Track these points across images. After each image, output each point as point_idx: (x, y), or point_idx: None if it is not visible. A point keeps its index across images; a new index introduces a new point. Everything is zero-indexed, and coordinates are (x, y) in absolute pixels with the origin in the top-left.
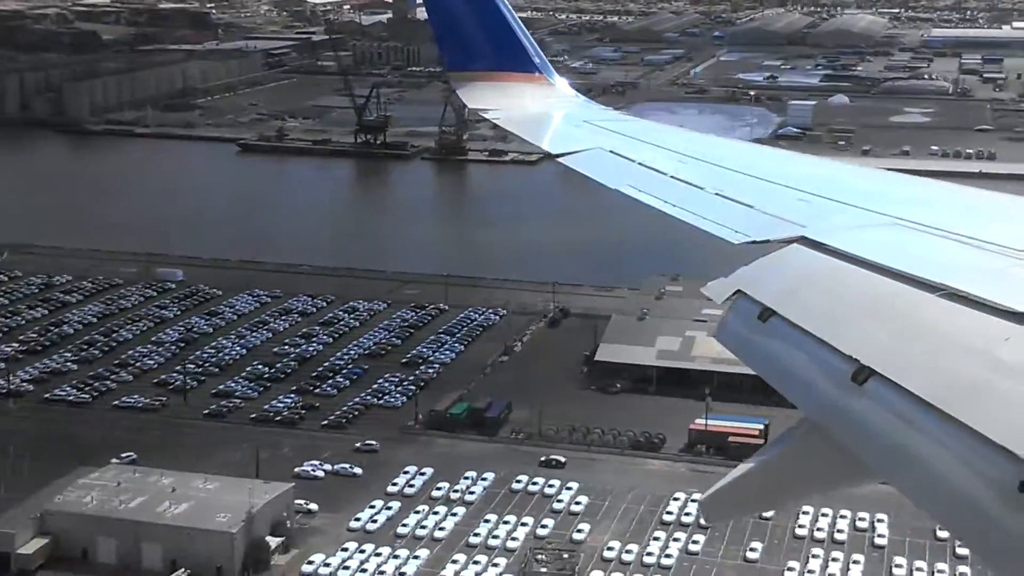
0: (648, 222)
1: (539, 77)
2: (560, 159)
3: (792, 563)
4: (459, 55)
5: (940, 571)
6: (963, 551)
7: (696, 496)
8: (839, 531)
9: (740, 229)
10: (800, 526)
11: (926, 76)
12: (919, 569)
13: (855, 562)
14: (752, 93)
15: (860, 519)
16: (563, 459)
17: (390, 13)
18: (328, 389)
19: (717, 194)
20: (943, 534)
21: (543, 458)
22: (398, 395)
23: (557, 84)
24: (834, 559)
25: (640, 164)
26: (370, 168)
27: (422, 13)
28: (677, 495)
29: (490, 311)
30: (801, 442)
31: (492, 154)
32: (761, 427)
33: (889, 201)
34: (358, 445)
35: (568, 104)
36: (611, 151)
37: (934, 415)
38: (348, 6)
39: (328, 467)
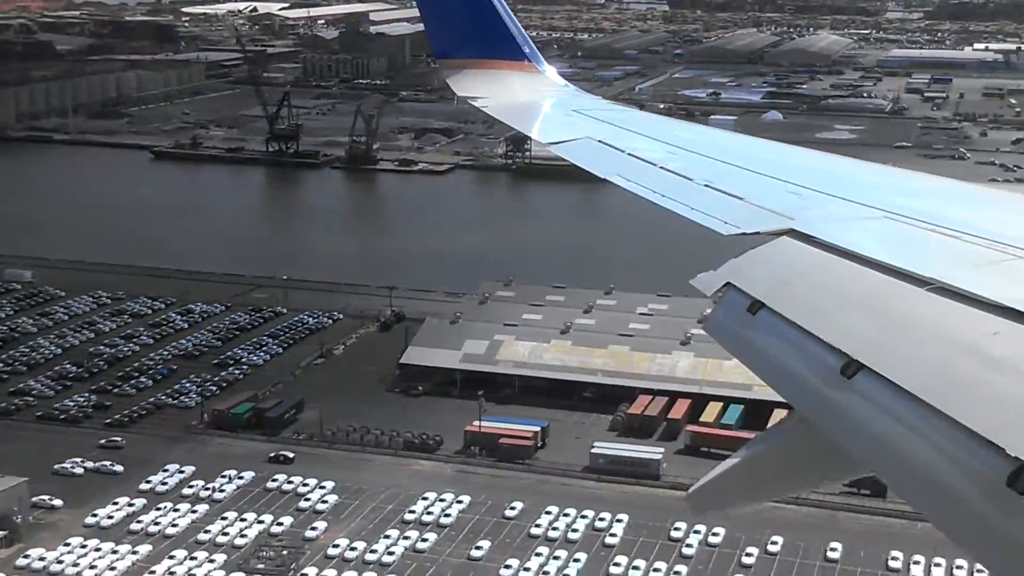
0: (530, 232)
1: (528, 65)
2: (550, 147)
3: (512, 560)
4: (448, 43)
5: (656, 570)
6: (688, 551)
7: (447, 495)
8: (574, 531)
9: (730, 220)
10: (537, 525)
11: (866, 95)
12: (636, 567)
13: (575, 560)
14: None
15: (600, 519)
16: (291, 455)
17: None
18: (128, 389)
19: (707, 185)
20: (676, 534)
21: (272, 454)
22: (195, 395)
23: (546, 72)
24: (556, 557)
25: (630, 154)
26: (276, 175)
27: (373, 27)
28: (427, 494)
29: (325, 315)
30: (789, 436)
31: (402, 164)
32: (537, 430)
33: (879, 193)
34: (102, 441)
35: (558, 93)
36: (600, 140)
37: (922, 409)
38: (322, 21)
39: (89, 464)
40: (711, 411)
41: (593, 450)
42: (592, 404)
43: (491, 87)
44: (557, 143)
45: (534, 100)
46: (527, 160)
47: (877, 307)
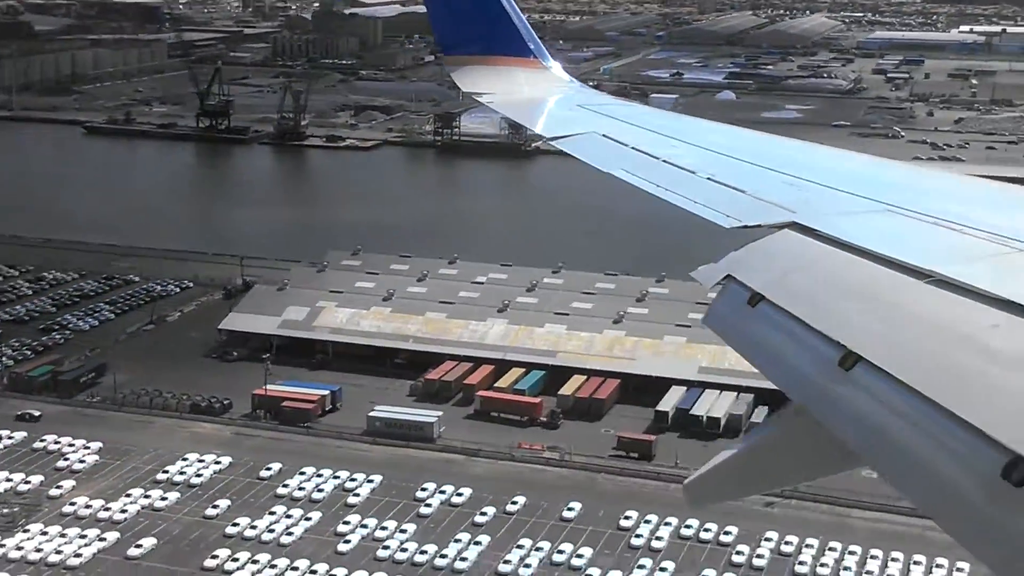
0: (420, 205)
1: (534, 61)
2: (554, 142)
3: (242, 519)
4: (453, 38)
5: (383, 528)
6: (426, 511)
7: (208, 457)
8: (319, 491)
9: (731, 214)
10: (285, 486)
11: (826, 75)
12: (364, 526)
13: (307, 519)
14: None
15: (352, 480)
16: (38, 413)
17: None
18: None
19: (709, 178)
20: (421, 495)
21: (19, 412)
22: (6, 359)
23: (552, 68)
24: (288, 516)
25: (633, 148)
26: (200, 151)
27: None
28: (188, 455)
29: (175, 283)
30: (787, 427)
31: (329, 140)
32: (325, 394)
33: (881, 187)
34: None
35: (562, 88)
36: (605, 135)
37: (920, 402)
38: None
39: None
40: (510, 377)
41: (371, 414)
42: (402, 370)
43: (496, 83)
44: (561, 138)
45: (539, 96)
46: (455, 137)
47: (876, 300)
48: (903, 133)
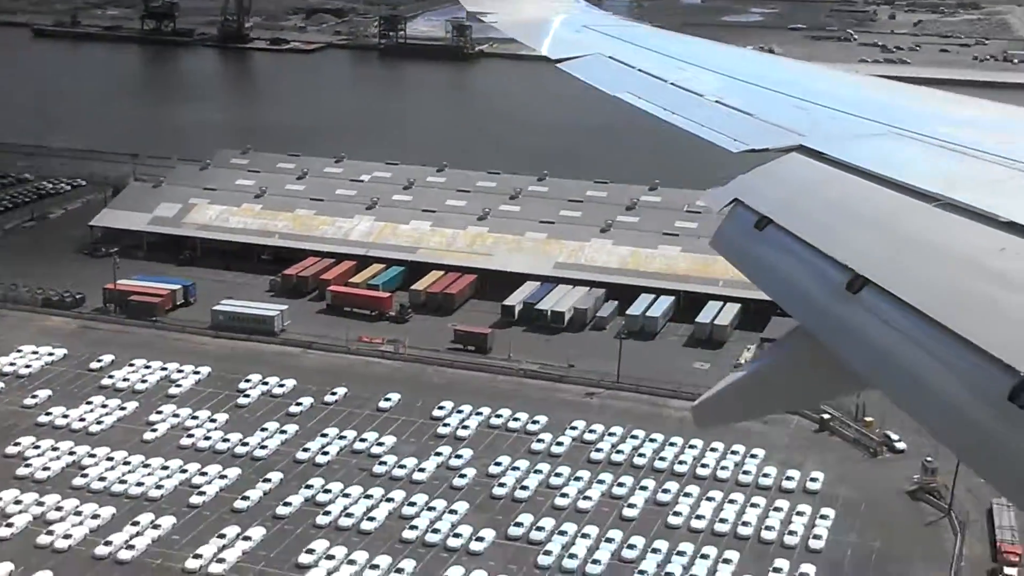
0: (338, 105)
1: None
2: (559, 65)
3: (57, 408)
4: None
5: (195, 417)
6: (244, 400)
7: (42, 349)
8: (143, 382)
9: (739, 137)
10: (110, 377)
11: None
12: (176, 415)
13: (122, 408)
14: None
15: (179, 371)
16: None
17: None
18: None
19: (717, 101)
20: (243, 386)
21: None
22: None
23: None
24: (104, 406)
25: (640, 71)
26: (143, 53)
27: None
28: (22, 348)
29: (68, 182)
30: (794, 351)
31: (273, 42)
32: (175, 288)
33: (890, 110)
34: None
35: (568, 8)
36: (611, 57)
37: (926, 324)
38: None
39: None
40: (368, 272)
41: (215, 307)
42: (269, 266)
43: (502, 3)
44: (566, 59)
45: (545, 16)
46: (399, 40)
47: (884, 223)
48: (856, 36)
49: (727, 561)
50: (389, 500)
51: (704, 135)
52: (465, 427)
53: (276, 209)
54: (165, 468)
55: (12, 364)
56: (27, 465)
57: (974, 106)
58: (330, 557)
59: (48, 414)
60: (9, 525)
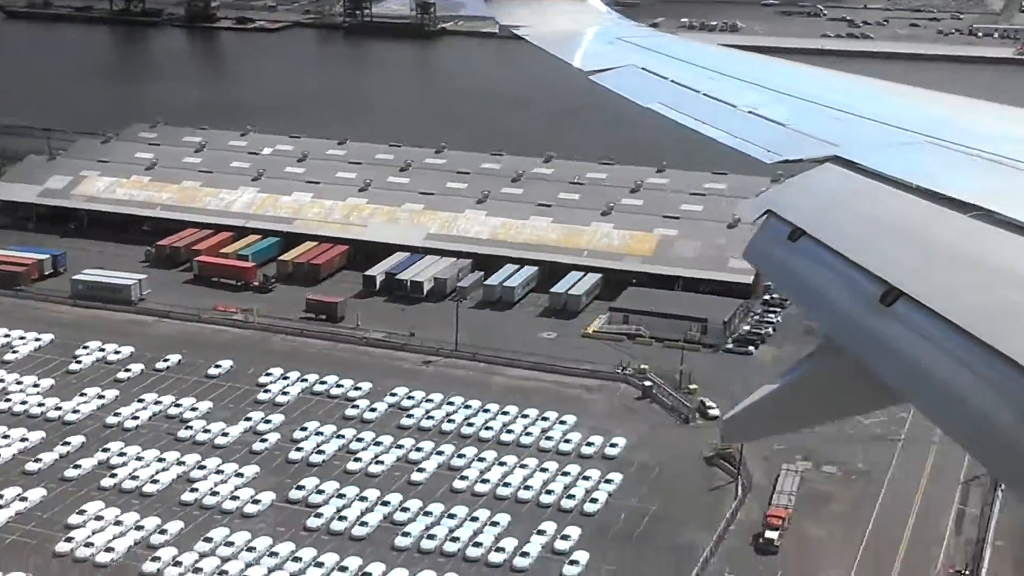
0: (310, 84)
1: None
2: (593, 77)
3: None
4: None
5: (18, 382)
6: (76, 367)
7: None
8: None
9: (773, 148)
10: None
11: None
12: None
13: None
14: None
15: (21, 338)
16: None
17: None
18: None
19: (750, 112)
20: (79, 353)
21: None
22: None
23: (590, 1)
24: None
25: (672, 81)
26: (110, 33)
27: None
28: None
29: None
30: (825, 364)
31: (238, 22)
32: (42, 258)
33: (924, 120)
34: None
35: (600, 20)
36: (643, 68)
37: (963, 338)
38: None
39: None
40: (242, 243)
41: (74, 277)
42: (150, 237)
43: (534, 16)
44: (600, 71)
45: (577, 28)
46: (365, 19)
47: (918, 234)
48: (825, 11)
49: (495, 524)
50: (181, 464)
51: (737, 146)
52: (285, 393)
53: (164, 181)
54: None
55: None
56: None
57: (1010, 114)
58: (99, 518)
59: None
60: None
